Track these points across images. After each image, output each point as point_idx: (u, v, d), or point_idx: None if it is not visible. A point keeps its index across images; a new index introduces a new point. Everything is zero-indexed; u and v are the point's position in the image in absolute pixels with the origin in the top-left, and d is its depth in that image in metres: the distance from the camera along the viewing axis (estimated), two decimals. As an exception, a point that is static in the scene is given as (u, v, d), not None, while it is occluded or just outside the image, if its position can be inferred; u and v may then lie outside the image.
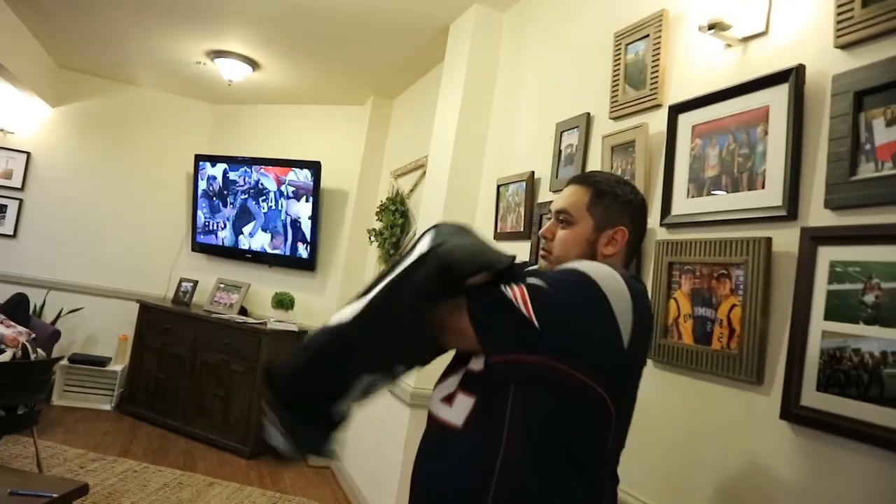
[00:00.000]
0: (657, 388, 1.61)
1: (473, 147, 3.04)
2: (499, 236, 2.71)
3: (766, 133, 1.47)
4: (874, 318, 1.17)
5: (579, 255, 1.23)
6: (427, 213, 3.22)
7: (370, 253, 4.62)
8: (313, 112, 5.42)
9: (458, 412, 1.15)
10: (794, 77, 1.40)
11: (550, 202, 1.56)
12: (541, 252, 1.31)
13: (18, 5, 4.04)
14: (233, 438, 4.53)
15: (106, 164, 5.58)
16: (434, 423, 1.22)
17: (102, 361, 5.16)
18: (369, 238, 4.41)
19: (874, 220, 1.20)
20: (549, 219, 1.31)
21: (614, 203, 1.26)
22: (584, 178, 1.32)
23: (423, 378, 2.80)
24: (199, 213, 5.57)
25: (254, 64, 4.46)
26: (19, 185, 5.35)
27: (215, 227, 5.51)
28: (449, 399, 1.18)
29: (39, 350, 3.85)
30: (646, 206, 1.34)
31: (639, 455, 1.65)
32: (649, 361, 1.66)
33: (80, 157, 5.53)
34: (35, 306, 4.96)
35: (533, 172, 2.51)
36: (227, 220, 5.46)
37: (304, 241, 5.08)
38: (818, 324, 1.27)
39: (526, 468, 1.07)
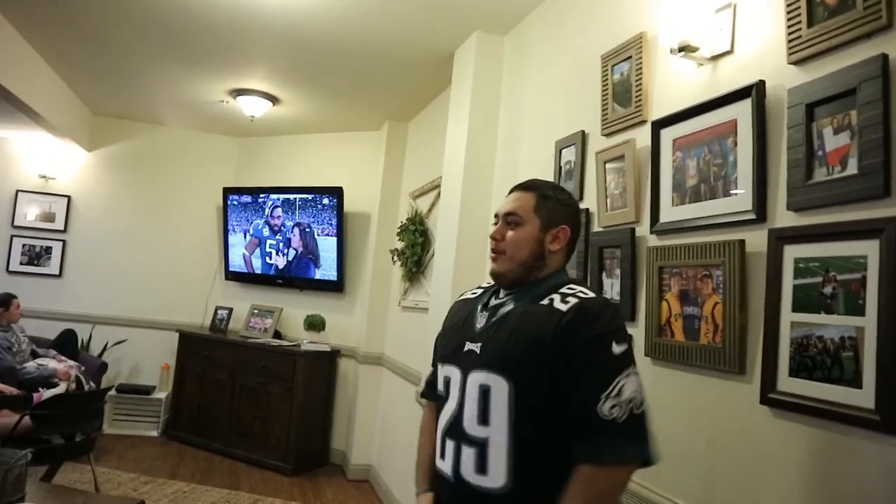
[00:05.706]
0: (654, 382, 1.74)
1: (483, 166, 3.20)
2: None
3: (735, 144, 1.61)
4: (833, 308, 1.30)
5: (530, 253, 1.39)
6: (444, 232, 3.39)
7: (394, 272, 4.80)
8: (332, 139, 5.64)
9: (494, 477, 1.28)
10: (755, 92, 1.54)
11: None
12: (492, 254, 1.44)
13: (53, 59, 4.35)
14: (274, 457, 4.72)
15: (140, 202, 5.89)
16: (473, 491, 1.32)
17: (147, 390, 5.43)
18: (392, 258, 4.60)
19: (828, 219, 1.33)
20: (496, 223, 1.46)
21: (556, 205, 1.43)
22: (527, 186, 1.48)
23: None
24: (231, 242, 5.82)
25: (274, 99, 4.70)
26: (62, 228, 5.68)
27: (248, 256, 5.75)
28: (483, 469, 1.30)
29: (91, 381, 4.09)
30: (580, 209, 1.50)
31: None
32: (647, 359, 1.81)
33: (116, 197, 5.85)
34: (82, 341, 5.25)
35: (538, 188, 2.65)
36: (259, 246, 5.69)
37: (331, 263, 5.29)
38: (787, 315, 1.40)
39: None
